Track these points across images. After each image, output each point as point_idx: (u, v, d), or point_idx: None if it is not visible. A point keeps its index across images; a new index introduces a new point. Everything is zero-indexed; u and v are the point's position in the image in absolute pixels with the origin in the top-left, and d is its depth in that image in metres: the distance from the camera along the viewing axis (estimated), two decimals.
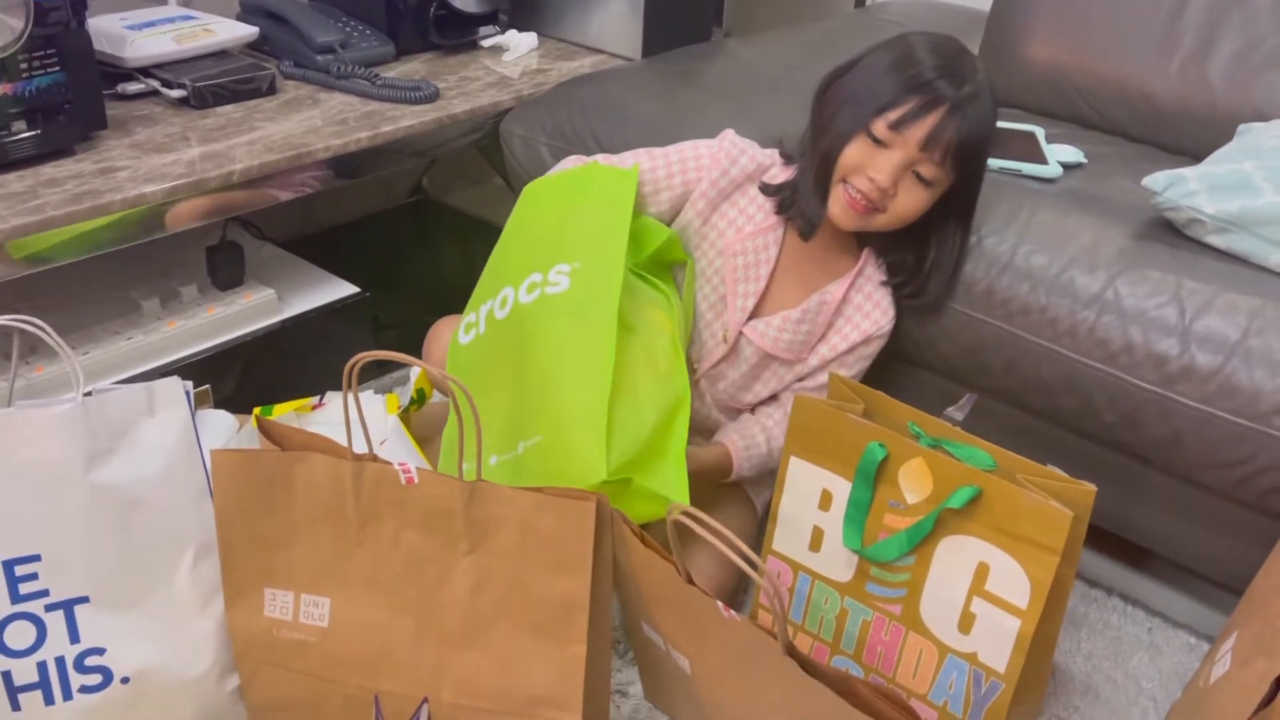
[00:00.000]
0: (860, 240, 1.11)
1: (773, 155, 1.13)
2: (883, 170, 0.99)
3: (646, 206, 1.14)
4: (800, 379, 1.14)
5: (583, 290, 1.00)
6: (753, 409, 1.18)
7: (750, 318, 1.12)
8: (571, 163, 1.18)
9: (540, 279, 1.02)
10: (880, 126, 0.99)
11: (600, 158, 1.16)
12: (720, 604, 0.80)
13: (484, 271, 1.11)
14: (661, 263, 1.14)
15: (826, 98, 1.06)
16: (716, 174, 1.10)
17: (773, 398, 1.17)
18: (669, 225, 1.15)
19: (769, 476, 1.14)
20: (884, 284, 1.12)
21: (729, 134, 1.13)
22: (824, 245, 1.10)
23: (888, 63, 1.01)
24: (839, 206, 1.04)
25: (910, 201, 1.02)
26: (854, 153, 1.01)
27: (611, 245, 1.02)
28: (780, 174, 1.11)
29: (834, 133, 1.02)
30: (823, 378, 1.12)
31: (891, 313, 1.11)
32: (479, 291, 1.10)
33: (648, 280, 1.10)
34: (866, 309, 1.11)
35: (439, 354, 1.19)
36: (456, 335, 1.09)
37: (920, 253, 1.09)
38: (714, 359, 1.14)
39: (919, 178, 1.00)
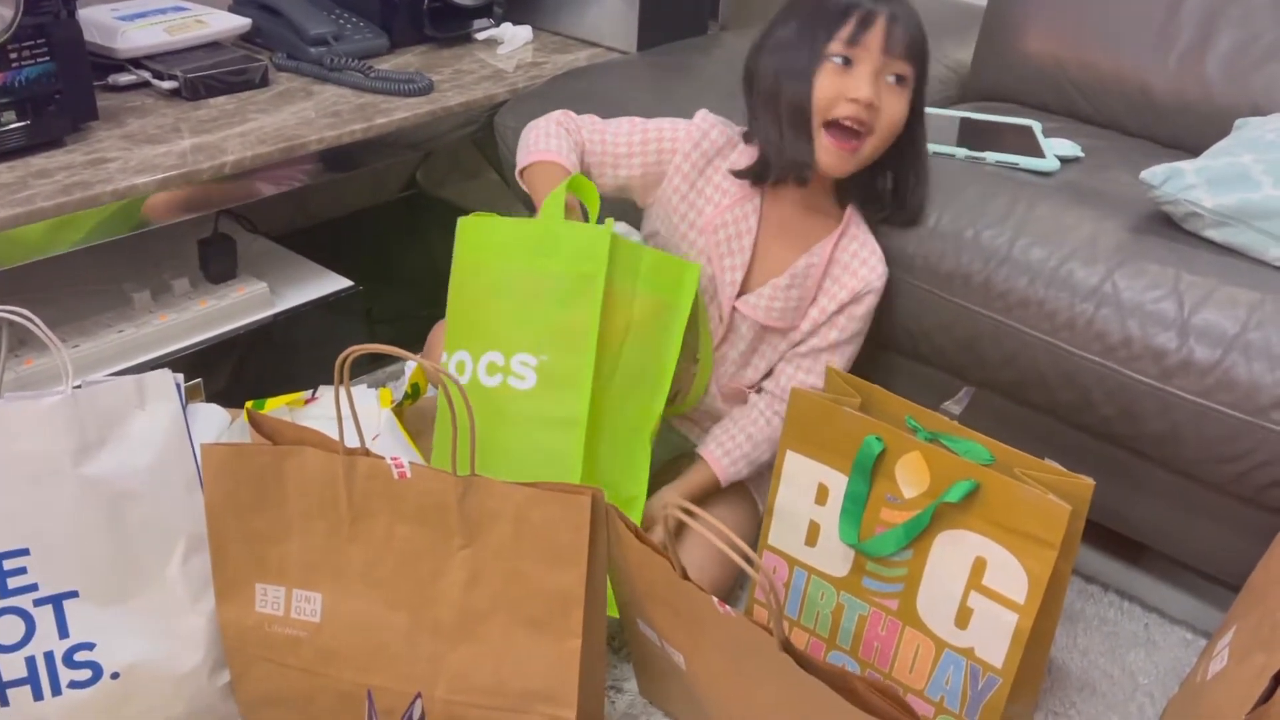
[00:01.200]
0: (840, 197, 1.11)
1: (741, 132, 1.13)
2: (861, 85, 0.99)
3: (618, 169, 1.11)
4: (794, 345, 1.13)
5: (550, 396, 0.96)
6: (756, 389, 1.16)
7: (740, 294, 1.11)
8: (552, 126, 1.11)
9: (502, 362, 0.97)
10: (838, 46, 0.99)
11: (588, 120, 1.13)
12: (716, 600, 0.79)
13: (448, 311, 1.03)
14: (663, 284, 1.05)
15: (761, 61, 1.06)
16: (689, 146, 1.09)
17: (769, 375, 1.16)
18: (638, 196, 1.14)
19: (769, 473, 1.13)
20: (873, 226, 1.11)
21: (701, 111, 1.13)
22: (805, 208, 1.10)
23: (810, 1, 1.03)
24: (827, 155, 1.02)
25: (894, 107, 1.01)
26: (825, 85, 1.00)
27: (581, 335, 0.96)
28: (743, 158, 1.10)
29: (792, 80, 1.01)
30: (815, 341, 1.11)
31: (881, 269, 1.10)
32: (449, 334, 1.03)
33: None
34: (854, 267, 1.10)
35: (441, 350, 1.18)
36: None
37: (897, 171, 1.10)
38: (714, 342, 1.13)
39: (893, 83, 1.01)
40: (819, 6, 1.02)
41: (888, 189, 1.11)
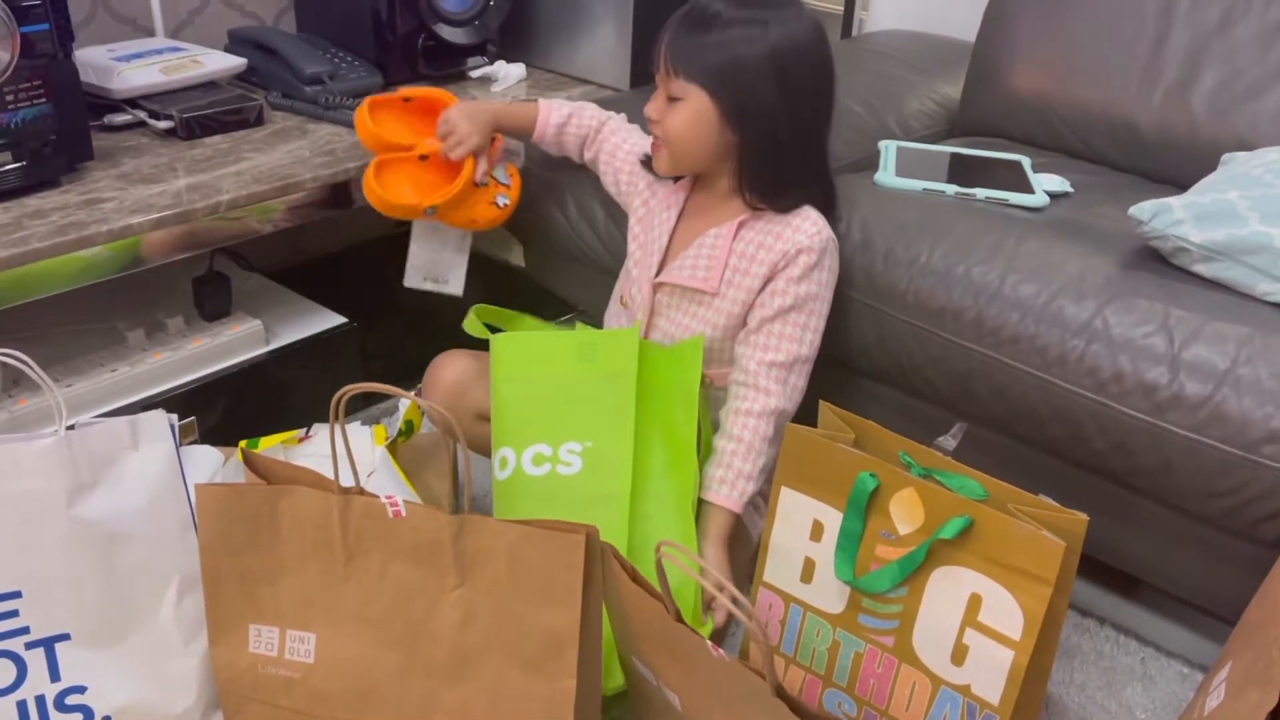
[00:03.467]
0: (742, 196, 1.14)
1: None
2: (650, 104, 1.11)
3: (602, 176, 1.28)
4: (744, 332, 1.13)
5: (597, 475, 1.06)
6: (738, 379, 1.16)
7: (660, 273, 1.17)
8: (589, 111, 1.28)
9: (549, 453, 1.07)
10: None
11: (611, 118, 1.28)
12: (710, 643, 0.79)
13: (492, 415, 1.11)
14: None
15: None
16: (644, 178, 1.22)
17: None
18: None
19: (764, 505, 1.13)
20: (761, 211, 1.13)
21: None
22: (720, 197, 1.15)
23: None
24: (651, 155, 1.16)
25: (669, 121, 1.09)
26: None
27: (621, 421, 1.07)
28: None
29: None
30: (761, 312, 1.10)
31: (812, 231, 1.10)
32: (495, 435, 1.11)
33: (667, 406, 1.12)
34: (782, 234, 1.10)
35: (441, 388, 1.20)
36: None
37: (741, 165, 1.12)
38: (643, 323, 1.17)
39: (670, 100, 1.09)
40: None
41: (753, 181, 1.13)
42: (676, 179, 1.18)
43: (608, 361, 1.10)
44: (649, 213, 1.20)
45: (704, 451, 1.13)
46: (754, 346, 1.11)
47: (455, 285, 1.36)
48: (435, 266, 1.36)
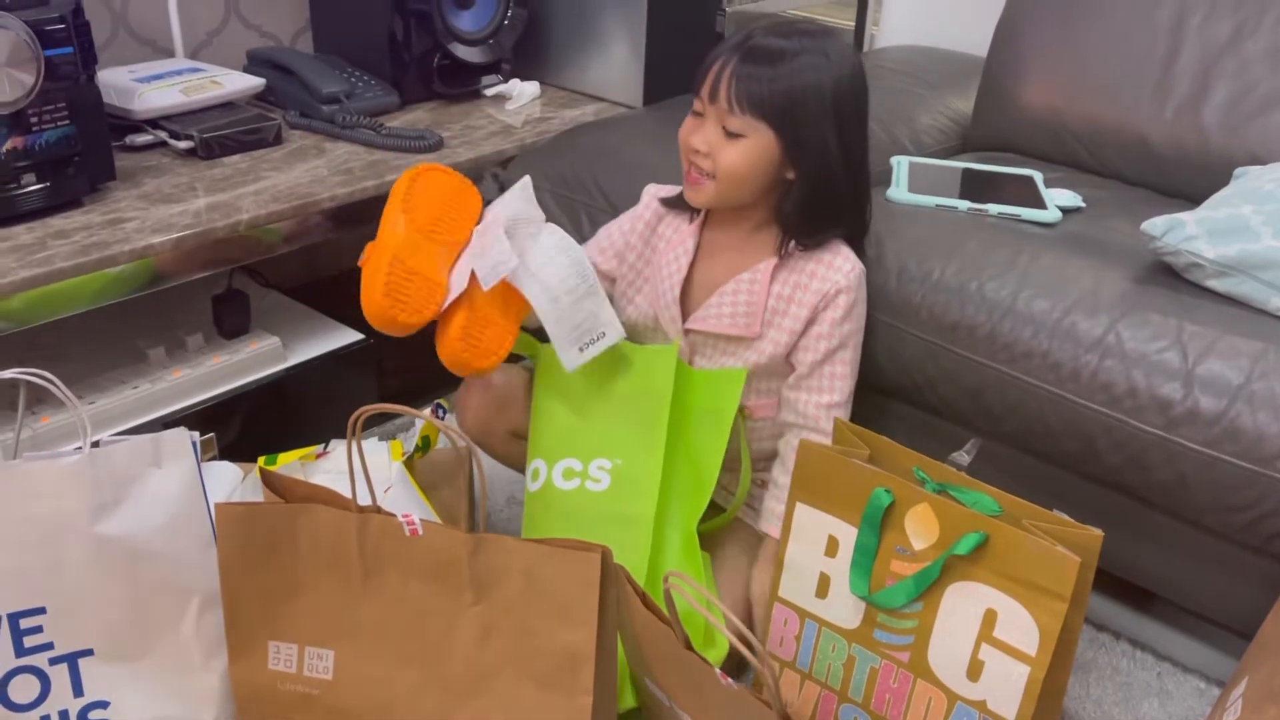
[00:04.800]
0: (780, 230, 1.12)
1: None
2: (696, 135, 1.07)
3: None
4: (793, 370, 1.12)
5: (624, 494, 1.06)
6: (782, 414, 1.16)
7: (687, 318, 1.14)
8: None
9: (579, 468, 1.08)
10: (696, 101, 1.07)
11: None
12: (718, 671, 0.79)
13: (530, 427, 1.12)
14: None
15: None
16: (629, 230, 1.18)
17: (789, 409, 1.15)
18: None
19: None
20: (801, 251, 1.11)
21: (647, 186, 1.20)
22: (742, 238, 1.13)
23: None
24: (686, 189, 1.11)
25: (728, 158, 1.05)
26: (684, 129, 1.09)
27: (652, 441, 1.07)
28: None
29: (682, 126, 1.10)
30: (809, 357, 1.10)
31: (846, 268, 1.09)
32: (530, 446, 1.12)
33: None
34: (820, 273, 1.09)
35: (475, 407, 1.19)
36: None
37: (791, 206, 1.09)
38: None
39: (728, 134, 1.05)
40: (705, 58, 1.08)
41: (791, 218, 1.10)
42: (690, 217, 1.15)
43: (644, 378, 1.10)
44: (653, 253, 1.17)
45: (743, 481, 1.13)
46: (808, 390, 1.11)
47: (613, 330, 1.10)
48: (579, 327, 1.09)
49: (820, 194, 1.07)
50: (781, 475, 1.12)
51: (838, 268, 1.09)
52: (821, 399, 1.11)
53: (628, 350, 1.13)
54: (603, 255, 1.20)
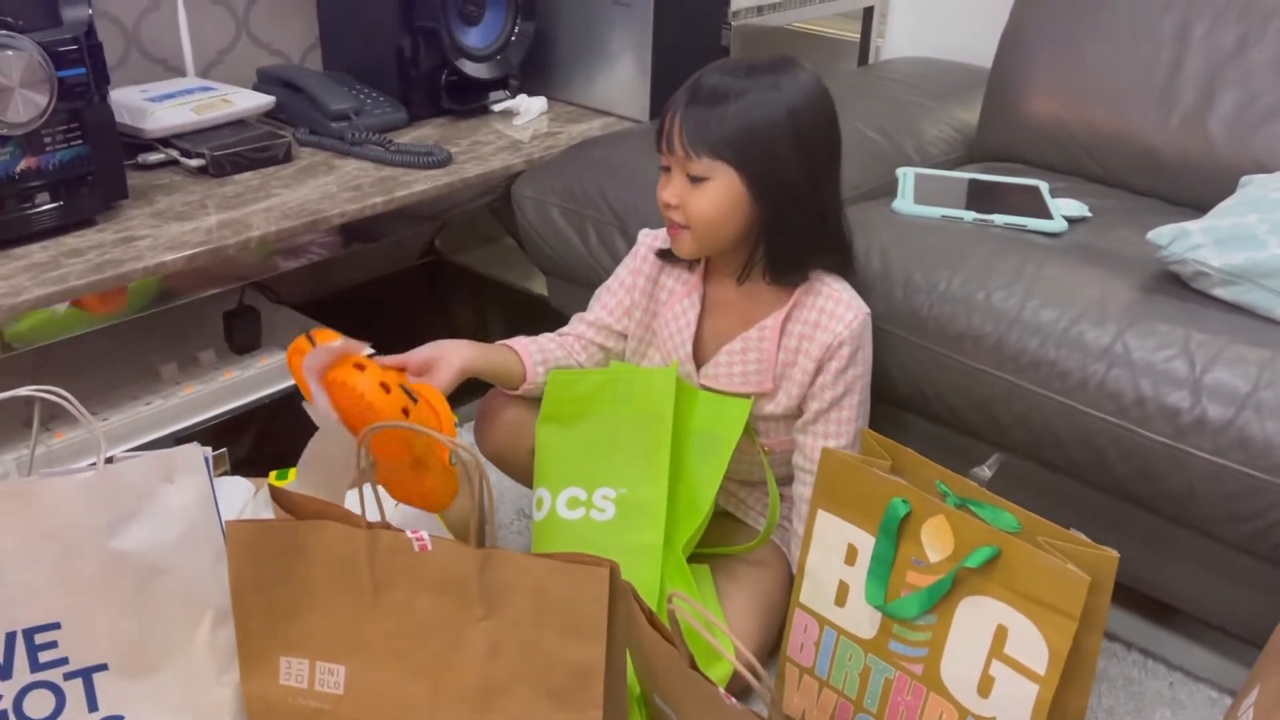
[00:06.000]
0: (774, 276, 1.11)
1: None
2: (665, 189, 1.06)
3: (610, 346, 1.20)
4: (801, 419, 1.13)
5: (631, 524, 1.07)
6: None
7: (701, 367, 1.14)
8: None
9: (584, 497, 1.09)
10: (660, 158, 1.07)
11: (574, 325, 1.20)
12: (722, 691, 0.80)
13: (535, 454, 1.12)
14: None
15: None
16: (628, 280, 1.18)
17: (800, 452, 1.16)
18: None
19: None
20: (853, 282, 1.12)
21: (642, 232, 1.19)
22: (727, 296, 1.13)
23: None
24: (670, 240, 1.11)
25: (695, 204, 1.04)
26: (658, 187, 1.08)
27: (656, 469, 1.08)
28: None
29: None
30: (816, 405, 1.10)
31: (848, 318, 1.08)
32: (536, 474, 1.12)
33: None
34: (824, 324, 1.09)
35: (498, 425, 1.17)
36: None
37: (767, 244, 1.08)
38: None
39: (693, 181, 1.04)
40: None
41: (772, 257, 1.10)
42: (690, 267, 1.15)
43: (643, 402, 1.10)
44: (658, 306, 1.17)
45: (771, 515, 1.14)
46: (815, 435, 1.11)
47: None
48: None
49: (790, 227, 1.06)
50: (799, 524, 1.12)
51: (839, 317, 1.08)
52: (829, 444, 1.11)
53: (627, 373, 1.14)
54: (613, 316, 1.18)
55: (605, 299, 1.20)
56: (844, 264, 1.12)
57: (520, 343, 1.15)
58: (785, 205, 1.05)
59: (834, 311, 1.09)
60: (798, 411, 1.12)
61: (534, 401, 1.16)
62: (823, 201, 1.07)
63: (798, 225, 1.06)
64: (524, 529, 1.32)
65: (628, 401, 1.11)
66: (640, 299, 1.17)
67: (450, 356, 1.07)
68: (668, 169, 1.06)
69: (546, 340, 1.18)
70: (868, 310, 1.10)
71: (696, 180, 1.04)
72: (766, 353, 1.10)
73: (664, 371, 1.12)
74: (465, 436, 1.35)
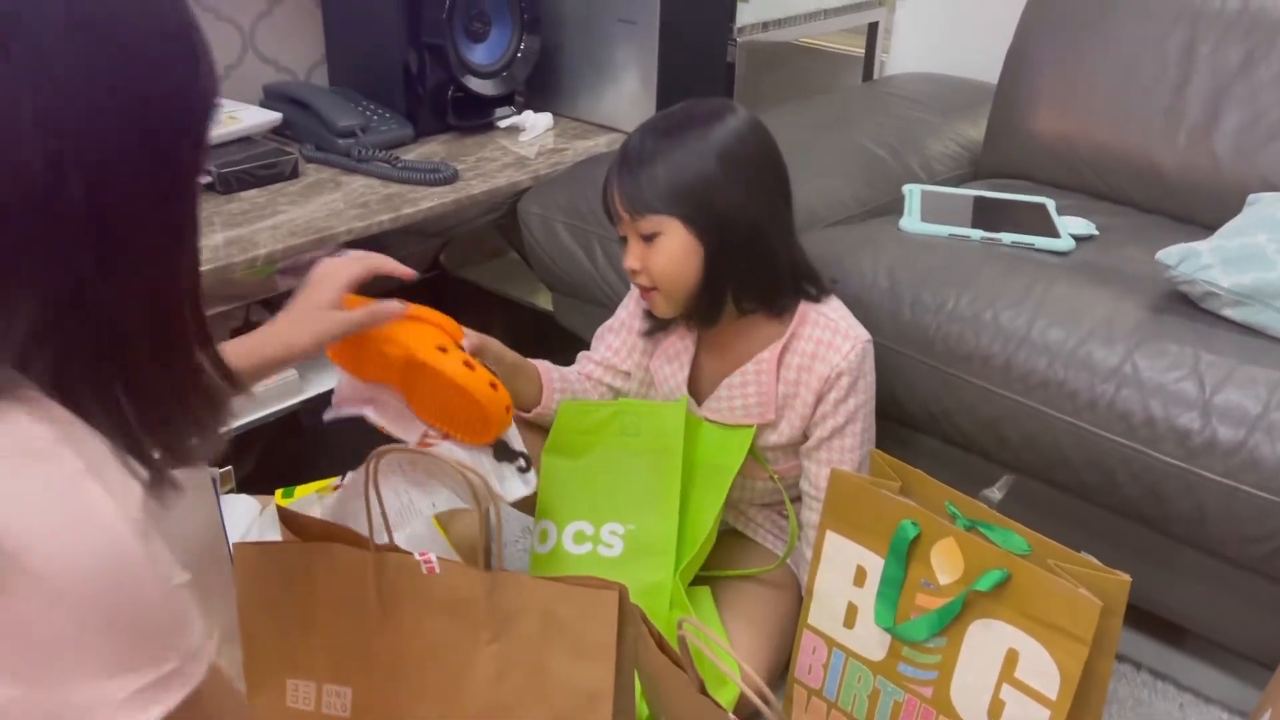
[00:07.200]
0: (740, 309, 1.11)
1: None
2: (629, 257, 1.07)
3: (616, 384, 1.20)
4: (805, 447, 1.12)
5: (640, 562, 1.06)
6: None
7: (701, 403, 1.14)
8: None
9: (591, 532, 1.09)
10: (616, 228, 1.08)
11: (580, 363, 1.20)
12: (731, 716, 0.79)
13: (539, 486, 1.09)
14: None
15: None
16: (624, 329, 1.19)
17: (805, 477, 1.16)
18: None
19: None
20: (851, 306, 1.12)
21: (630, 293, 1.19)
22: (719, 339, 1.13)
23: None
24: (648, 304, 1.11)
25: (654, 262, 1.05)
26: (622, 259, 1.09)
27: (665, 505, 1.07)
28: None
29: None
30: (819, 433, 1.10)
31: (845, 348, 1.07)
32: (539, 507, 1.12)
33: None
34: (821, 354, 1.08)
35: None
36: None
37: (736, 288, 1.08)
38: None
39: (646, 240, 1.05)
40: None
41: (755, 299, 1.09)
42: (643, 334, 1.16)
43: (652, 437, 1.10)
44: (654, 347, 1.17)
45: (791, 540, 1.14)
46: (819, 462, 1.11)
47: None
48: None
49: (745, 259, 1.05)
50: (807, 549, 1.12)
51: (836, 348, 1.08)
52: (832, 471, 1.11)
53: (635, 407, 1.14)
54: (618, 356, 1.19)
55: (609, 339, 1.20)
56: (820, 290, 1.11)
57: (544, 365, 1.15)
58: (735, 245, 1.04)
59: (830, 342, 1.08)
60: (803, 438, 1.12)
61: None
62: (771, 234, 1.06)
63: (752, 261, 1.06)
64: (530, 546, 1.32)
65: (636, 435, 1.11)
66: (639, 339, 1.18)
67: (491, 342, 1.08)
68: (624, 238, 1.07)
69: (569, 372, 1.18)
70: (868, 337, 1.09)
71: (649, 239, 1.04)
72: (766, 385, 1.10)
73: (674, 406, 1.11)
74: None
